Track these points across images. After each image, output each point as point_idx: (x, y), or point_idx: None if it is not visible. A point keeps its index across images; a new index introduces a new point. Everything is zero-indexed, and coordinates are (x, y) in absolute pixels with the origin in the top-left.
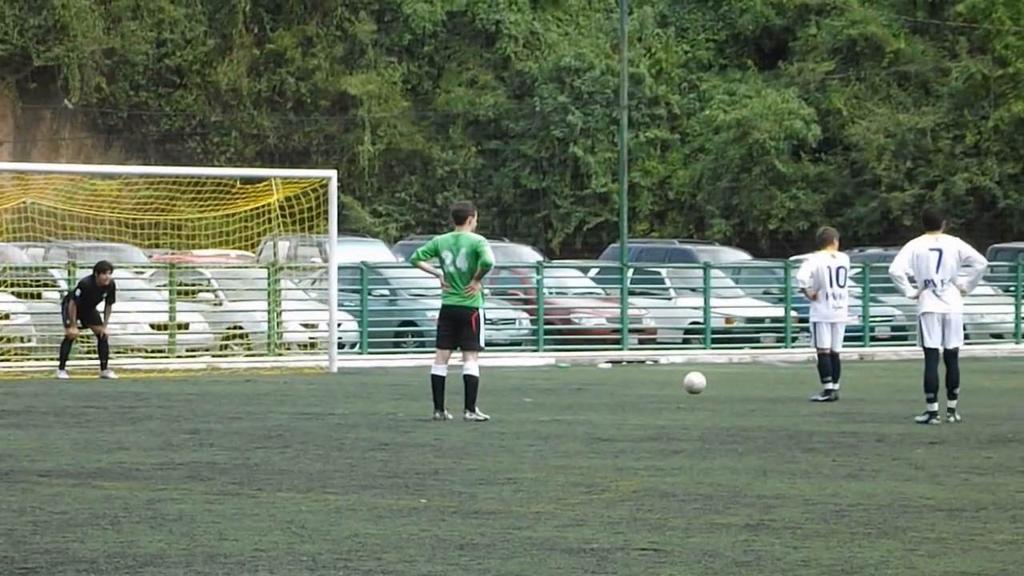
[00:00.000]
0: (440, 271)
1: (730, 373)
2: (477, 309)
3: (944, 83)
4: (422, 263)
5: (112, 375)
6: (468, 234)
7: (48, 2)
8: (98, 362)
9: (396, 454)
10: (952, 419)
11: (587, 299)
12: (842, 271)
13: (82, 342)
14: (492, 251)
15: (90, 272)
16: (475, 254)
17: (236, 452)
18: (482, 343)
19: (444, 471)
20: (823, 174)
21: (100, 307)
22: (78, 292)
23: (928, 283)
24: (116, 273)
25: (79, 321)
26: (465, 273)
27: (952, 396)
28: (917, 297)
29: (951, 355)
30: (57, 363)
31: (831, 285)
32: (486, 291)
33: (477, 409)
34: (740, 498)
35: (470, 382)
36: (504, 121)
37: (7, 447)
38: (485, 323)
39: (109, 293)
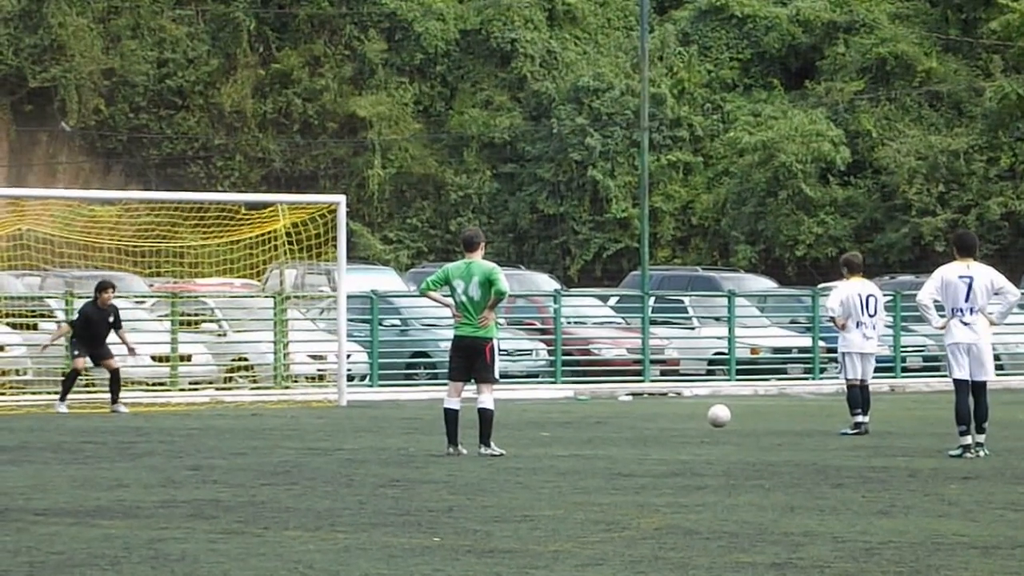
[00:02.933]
0: (451, 301)
1: (756, 406)
2: (491, 339)
3: (978, 103)
4: (432, 293)
5: (123, 409)
6: (480, 262)
7: (44, 21)
8: (99, 396)
9: (408, 491)
10: (981, 453)
11: (607, 329)
12: (872, 299)
13: (83, 375)
14: (506, 279)
15: (91, 299)
16: (488, 282)
17: (241, 489)
18: (497, 375)
19: (458, 508)
20: (852, 198)
21: (110, 339)
22: (78, 318)
23: (956, 312)
24: (117, 303)
25: (88, 359)
26: (478, 302)
27: (981, 430)
28: (944, 327)
29: (979, 388)
30: (57, 396)
31: (861, 314)
32: (501, 321)
33: (492, 444)
34: (766, 536)
35: (485, 416)
36: (520, 143)
37: (1, 485)
38: (500, 354)
39: (115, 318)
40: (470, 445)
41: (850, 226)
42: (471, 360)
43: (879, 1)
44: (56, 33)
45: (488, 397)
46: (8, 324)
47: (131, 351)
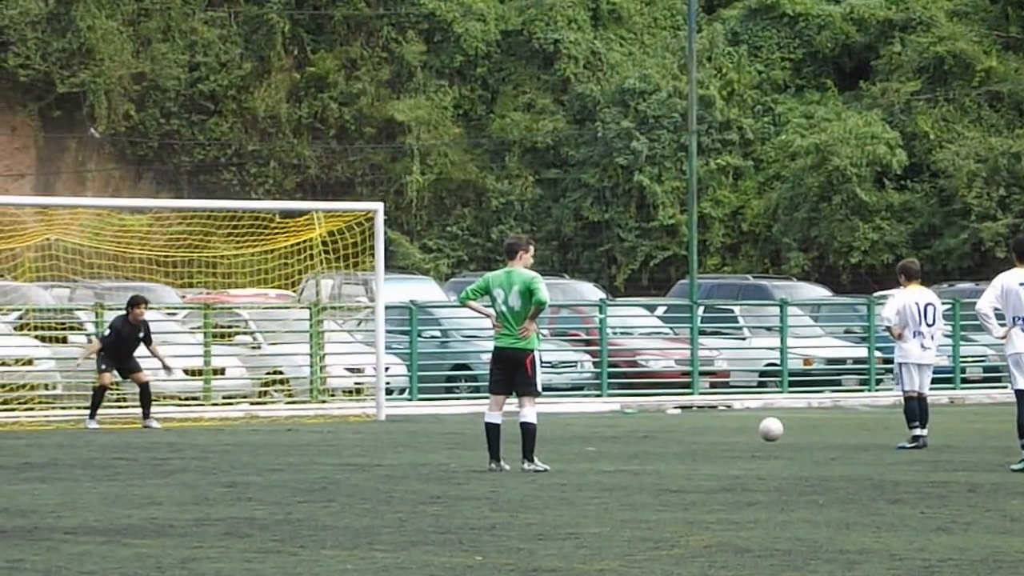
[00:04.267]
0: (491, 311)
1: (809, 419)
2: (532, 351)
3: None
4: (471, 302)
5: (155, 424)
6: (521, 270)
7: (73, 24)
8: (131, 411)
9: (449, 508)
10: None
11: (654, 340)
12: (930, 308)
13: (113, 389)
14: (547, 288)
15: (122, 313)
16: (528, 292)
17: (277, 507)
18: (539, 388)
19: (501, 526)
20: (909, 203)
21: (138, 352)
22: (109, 333)
23: (1017, 320)
24: (147, 315)
25: (116, 372)
26: (518, 312)
27: None
28: (1005, 337)
29: None
30: (88, 412)
31: (919, 323)
32: (544, 332)
33: (536, 459)
34: (821, 553)
35: (527, 430)
36: (563, 148)
37: (31, 502)
38: (543, 366)
39: (145, 334)
40: (513, 460)
41: (907, 232)
42: (512, 372)
43: None
44: (85, 36)
45: (531, 411)
46: (37, 337)
47: (166, 368)
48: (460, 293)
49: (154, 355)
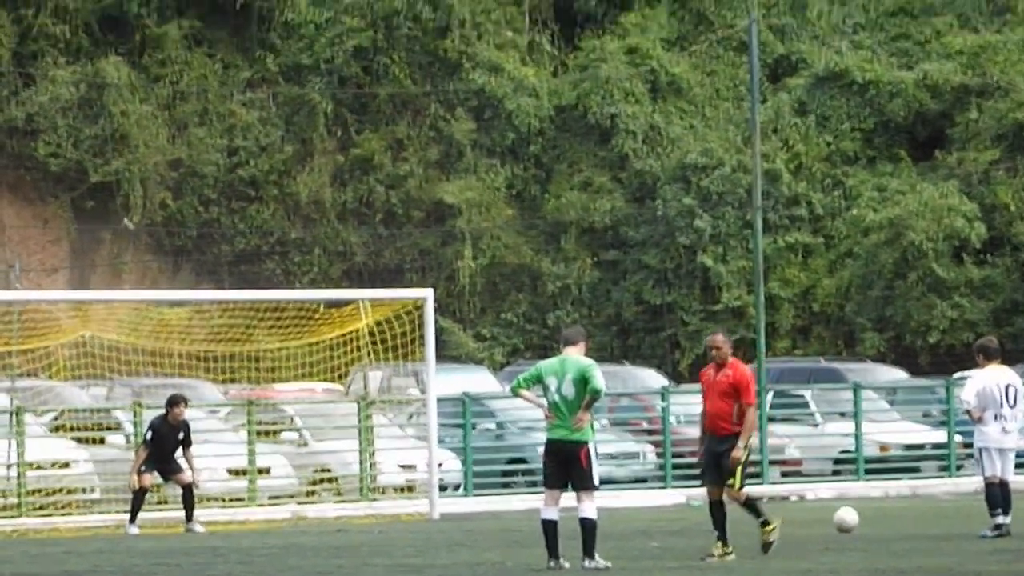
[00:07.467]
0: (543, 401)
1: (887, 508)
2: (587, 442)
3: None
4: (523, 392)
5: (199, 528)
6: (576, 357)
7: (105, 110)
8: (173, 514)
9: None
10: None
11: None
12: (1012, 389)
13: (154, 491)
14: (603, 376)
15: (161, 411)
16: (583, 380)
17: None
18: (596, 481)
19: None
20: (989, 278)
21: (179, 453)
22: (149, 435)
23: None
24: (188, 413)
25: (157, 474)
26: (571, 401)
27: None
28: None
29: None
30: (127, 516)
31: (1000, 405)
32: (604, 421)
33: (597, 556)
34: None
35: (587, 526)
36: (622, 228)
37: None
38: (604, 458)
39: (185, 436)
40: (573, 558)
41: (988, 309)
42: (567, 466)
43: (1015, 62)
44: (118, 122)
45: (589, 505)
46: (73, 439)
47: (194, 483)
48: (512, 383)
49: (188, 461)
